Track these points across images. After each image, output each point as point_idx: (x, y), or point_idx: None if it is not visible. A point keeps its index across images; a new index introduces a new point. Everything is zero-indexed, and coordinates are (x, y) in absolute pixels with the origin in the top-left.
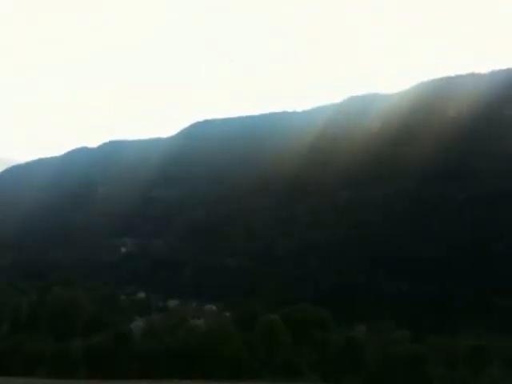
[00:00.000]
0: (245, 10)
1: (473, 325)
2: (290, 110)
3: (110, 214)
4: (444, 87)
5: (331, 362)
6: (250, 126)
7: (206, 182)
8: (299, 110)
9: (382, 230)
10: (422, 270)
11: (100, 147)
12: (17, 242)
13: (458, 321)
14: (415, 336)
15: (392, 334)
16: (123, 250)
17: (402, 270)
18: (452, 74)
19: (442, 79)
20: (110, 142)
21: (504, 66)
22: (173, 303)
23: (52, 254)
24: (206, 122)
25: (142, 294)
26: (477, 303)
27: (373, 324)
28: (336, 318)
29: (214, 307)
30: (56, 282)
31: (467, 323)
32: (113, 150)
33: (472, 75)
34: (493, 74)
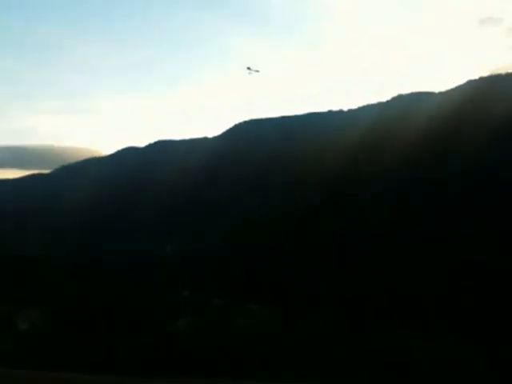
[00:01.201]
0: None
1: None
2: (335, 109)
3: (156, 213)
4: (493, 86)
5: None
6: (294, 126)
7: (251, 180)
8: (345, 109)
9: None
10: None
11: (147, 147)
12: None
13: None
14: None
15: None
16: (168, 248)
17: None
18: (502, 72)
19: (491, 77)
20: (156, 141)
21: None
22: (217, 302)
23: (98, 254)
24: (251, 121)
25: (186, 293)
26: None
27: None
28: None
29: (256, 306)
30: None
31: None
32: (160, 150)
33: None
34: None
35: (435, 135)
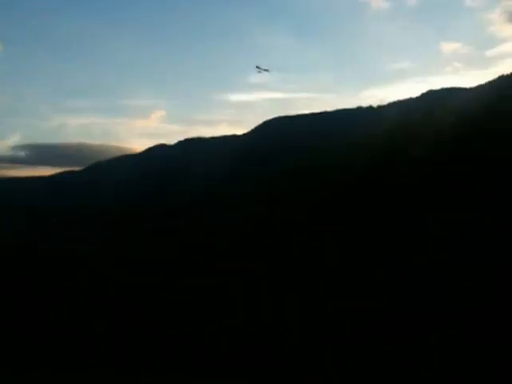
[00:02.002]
0: None
1: None
2: (365, 105)
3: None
4: None
5: None
6: (324, 123)
7: (280, 178)
8: (374, 105)
9: None
10: None
11: (177, 144)
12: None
13: None
14: None
15: None
16: None
17: None
18: None
19: None
20: (186, 139)
21: None
22: None
23: None
24: (280, 118)
25: None
26: None
27: None
28: None
29: None
30: None
31: None
32: (189, 148)
33: None
34: None
35: (465, 132)
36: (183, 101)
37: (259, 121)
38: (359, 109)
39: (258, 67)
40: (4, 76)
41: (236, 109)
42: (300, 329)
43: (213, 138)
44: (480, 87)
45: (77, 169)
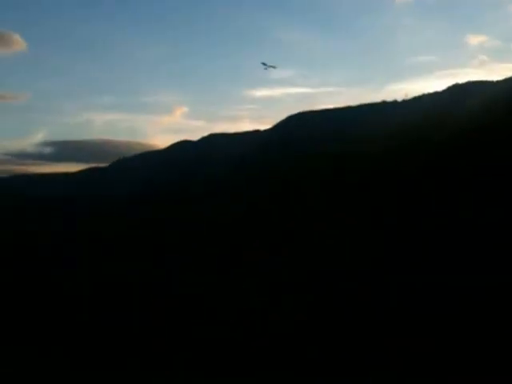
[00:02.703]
0: None
1: None
2: (389, 99)
3: None
4: None
5: None
6: (347, 118)
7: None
8: (399, 99)
9: None
10: None
11: (201, 140)
12: None
13: None
14: None
15: None
16: None
17: None
18: None
19: None
20: (210, 135)
21: None
22: None
23: None
24: (303, 113)
25: None
26: None
27: None
28: None
29: None
30: None
31: None
32: (213, 144)
33: None
34: None
35: (492, 126)
36: (206, 97)
37: (283, 116)
38: (384, 103)
39: (263, 63)
40: (30, 74)
41: (259, 104)
42: (314, 325)
43: (236, 134)
44: (507, 80)
45: (102, 165)
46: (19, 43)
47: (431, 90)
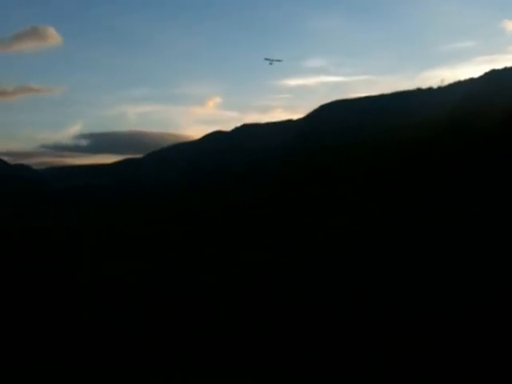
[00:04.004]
0: None
1: None
2: (424, 87)
3: None
4: None
5: None
6: (382, 106)
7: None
8: (435, 86)
9: None
10: None
11: (234, 131)
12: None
13: None
14: None
15: None
16: None
17: None
18: None
19: None
20: (243, 125)
21: None
22: None
23: None
24: (337, 102)
25: None
26: None
27: None
28: None
29: None
30: None
31: None
32: (246, 134)
33: None
34: None
35: None
36: (239, 87)
37: (316, 105)
38: (418, 90)
39: (267, 59)
40: (65, 68)
41: (292, 93)
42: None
43: (268, 124)
44: None
45: (136, 156)
46: (54, 37)
47: (467, 77)
